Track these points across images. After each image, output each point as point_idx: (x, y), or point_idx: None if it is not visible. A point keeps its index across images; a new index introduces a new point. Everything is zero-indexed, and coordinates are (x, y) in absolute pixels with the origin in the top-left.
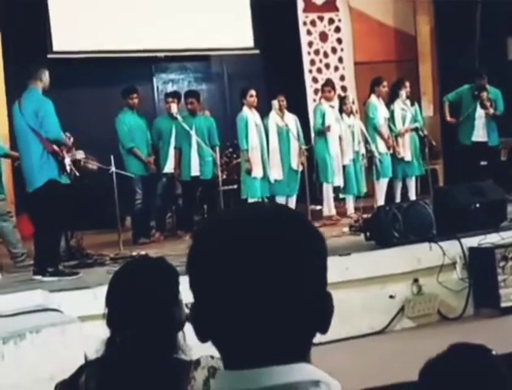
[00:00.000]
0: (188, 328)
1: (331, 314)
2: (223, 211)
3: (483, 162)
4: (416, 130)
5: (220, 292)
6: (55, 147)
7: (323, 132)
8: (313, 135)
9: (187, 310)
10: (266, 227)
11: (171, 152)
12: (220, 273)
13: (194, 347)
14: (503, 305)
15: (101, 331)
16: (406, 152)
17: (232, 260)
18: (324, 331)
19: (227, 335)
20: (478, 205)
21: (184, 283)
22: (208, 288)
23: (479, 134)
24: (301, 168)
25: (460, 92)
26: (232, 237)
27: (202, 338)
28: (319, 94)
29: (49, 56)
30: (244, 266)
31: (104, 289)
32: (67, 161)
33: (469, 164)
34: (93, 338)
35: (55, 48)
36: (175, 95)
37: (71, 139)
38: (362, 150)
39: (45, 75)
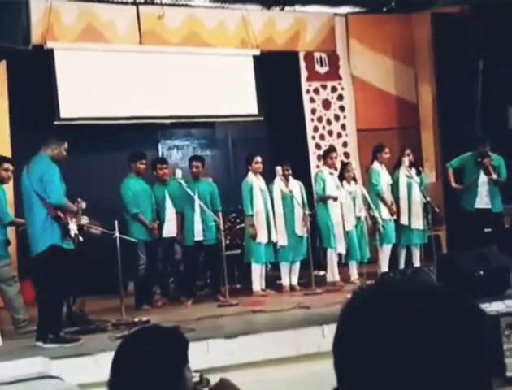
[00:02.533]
0: None
1: None
2: (373, 285)
3: (487, 229)
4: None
5: (378, 376)
6: (59, 212)
7: (326, 199)
8: (315, 201)
9: (194, 378)
10: (435, 304)
11: (168, 217)
12: (381, 355)
13: None
14: (509, 374)
15: None
16: (419, 221)
17: (393, 341)
18: None
19: None
20: (482, 272)
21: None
22: (362, 372)
23: (483, 201)
24: (305, 234)
25: (463, 159)
26: (395, 312)
27: None
28: (322, 160)
29: (56, 123)
30: (406, 349)
31: (105, 356)
32: (72, 226)
33: (473, 231)
34: None
35: (62, 115)
36: (163, 162)
37: (84, 204)
38: (364, 216)
39: (60, 148)
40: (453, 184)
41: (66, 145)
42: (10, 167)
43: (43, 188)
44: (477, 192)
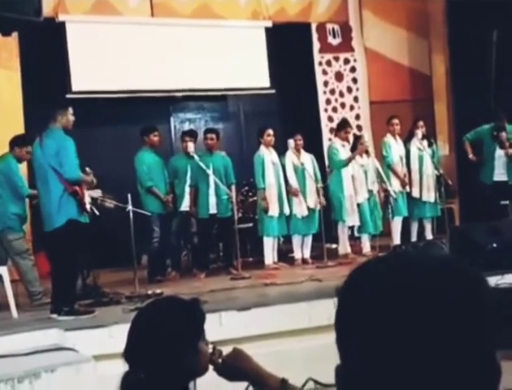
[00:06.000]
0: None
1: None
2: (382, 257)
3: (503, 202)
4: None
5: (381, 352)
6: (76, 187)
7: (349, 161)
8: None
9: (210, 349)
10: (436, 276)
11: (187, 190)
12: (384, 329)
13: None
14: None
15: (116, 371)
16: (430, 194)
17: (397, 312)
18: None
19: None
20: (495, 244)
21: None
22: (366, 346)
23: (500, 173)
24: (319, 207)
25: (479, 132)
26: (399, 286)
27: None
28: (335, 132)
29: (68, 96)
30: (411, 322)
31: (119, 328)
32: (87, 200)
33: (489, 203)
34: (107, 377)
35: (74, 88)
36: (192, 134)
37: (91, 175)
38: (376, 189)
39: (66, 115)
40: (471, 155)
41: (71, 110)
42: (31, 150)
43: (59, 162)
44: (494, 165)
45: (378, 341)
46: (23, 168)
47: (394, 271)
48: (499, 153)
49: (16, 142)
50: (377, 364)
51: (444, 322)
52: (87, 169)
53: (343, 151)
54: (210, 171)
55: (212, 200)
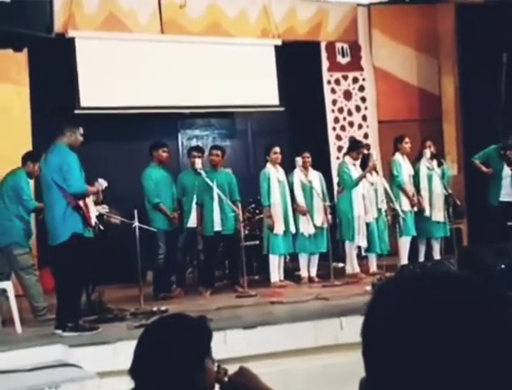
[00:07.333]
0: None
1: None
2: (411, 271)
3: (510, 223)
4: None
5: (407, 365)
6: (80, 202)
7: (360, 179)
8: (336, 192)
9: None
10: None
11: (194, 206)
12: (412, 343)
13: None
14: None
15: (120, 388)
16: (440, 214)
17: (426, 326)
18: None
19: None
20: (503, 266)
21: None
22: (394, 360)
23: (506, 193)
24: (326, 225)
25: (487, 152)
26: (430, 299)
27: None
28: (343, 151)
29: (77, 112)
30: (438, 336)
31: (124, 345)
32: (93, 214)
33: (496, 224)
34: None
35: (83, 104)
36: (199, 150)
37: (105, 184)
38: (385, 208)
39: (76, 134)
40: (484, 168)
41: (81, 130)
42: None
43: (62, 177)
44: (501, 185)
45: (405, 353)
46: (31, 184)
47: (423, 286)
48: (506, 172)
49: (29, 157)
50: (403, 377)
51: (473, 339)
52: (99, 180)
53: (354, 170)
54: (214, 186)
55: (217, 216)
